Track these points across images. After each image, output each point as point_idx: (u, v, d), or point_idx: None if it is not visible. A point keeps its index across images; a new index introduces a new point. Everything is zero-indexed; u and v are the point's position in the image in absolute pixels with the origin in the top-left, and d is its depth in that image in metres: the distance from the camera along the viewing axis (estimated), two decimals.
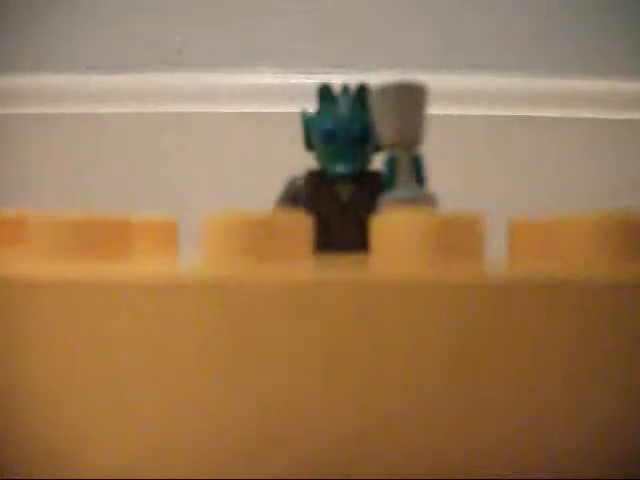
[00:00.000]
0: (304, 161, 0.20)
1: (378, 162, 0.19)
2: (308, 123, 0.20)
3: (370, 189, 0.19)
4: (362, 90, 0.19)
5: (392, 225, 0.13)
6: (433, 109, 0.18)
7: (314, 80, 0.21)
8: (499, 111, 0.36)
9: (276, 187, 0.20)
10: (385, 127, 0.17)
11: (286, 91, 0.35)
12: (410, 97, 0.17)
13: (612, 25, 0.36)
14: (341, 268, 0.12)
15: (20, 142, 0.35)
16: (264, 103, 0.35)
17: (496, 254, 0.15)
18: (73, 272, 0.12)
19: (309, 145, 0.20)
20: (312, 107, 0.20)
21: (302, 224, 0.13)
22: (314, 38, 0.36)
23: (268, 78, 0.36)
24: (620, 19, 0.36)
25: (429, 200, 0.17)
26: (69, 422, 0.12)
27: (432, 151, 0.18)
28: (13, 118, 0.35)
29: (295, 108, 0.20)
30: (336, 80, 0.20)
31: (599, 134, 0.36)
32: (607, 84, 0.36)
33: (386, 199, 0.17)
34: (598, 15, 0.36)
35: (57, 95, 0.35)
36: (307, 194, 0.20)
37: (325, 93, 0.19)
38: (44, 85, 0.36)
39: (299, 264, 0.12)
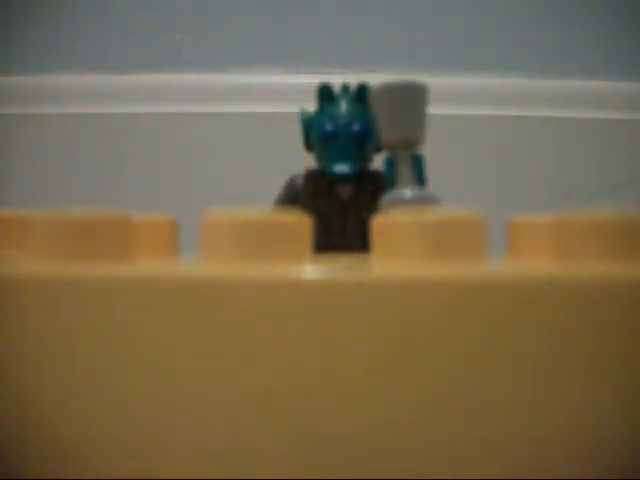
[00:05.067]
0: (304, 161, 0.20)
1: (378, 162, 0.19)
2: (308, 123, 0.20)
3: (370, 189, 0.19)
4: (362, 90, 0.19)
5: (392, 225, 0.13)
6: (433, 109, 0.18)
7: (314, 80, 0.21)
8: (499, 111, 0.36)
9: (276, 187, 0.20)
10: (385, 127, 0.17)
11: (286, 91, 0.35)
12: (410, 97, 0.17)
13: (612, 25, 0.36)
14: (341, 268, 0.12)
15: (20, 142, 0.35)
16: (264, 103, 0.35)
17: (496, 254, 0.15)
18: (73, 272, 0.12)
19: (309, 145, 0.20)
20: (312, 107, 0.20)
21: (302, 224, 0.13)
22: (314, 38, 0.36)
23: (268, 78, 0.36)
24: (620, 19, 0.36)
25: (429, 200, 0.17)
26: (69, 422, 0.12)
27: (432, 151, 0.18)
28: (13, 118, 0.35)
29: (295, 108, 0.20)
30: (336, 80, 0.20)
31: (599, 134, 0.36)
32: (607, 84, 0.36)
33: (386, 199, 0.17)
34: (598, 15, 0.36)
35: (57, 95, 0.35)
36: (307, 194, 0.20)
37: (325, 93, 0.19)
38: (44, 85, 0.36)
39: (299, 264, 0.12)
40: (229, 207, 0.13)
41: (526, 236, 0.17)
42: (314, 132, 0.19)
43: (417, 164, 0.18)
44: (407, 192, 0.17)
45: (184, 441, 0.12)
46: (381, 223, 0.14)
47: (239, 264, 0.12)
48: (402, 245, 0.13)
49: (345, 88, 0.20)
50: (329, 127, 0.19)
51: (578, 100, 0.36)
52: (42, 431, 0.12)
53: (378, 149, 0.19)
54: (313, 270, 0.12)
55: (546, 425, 0.12)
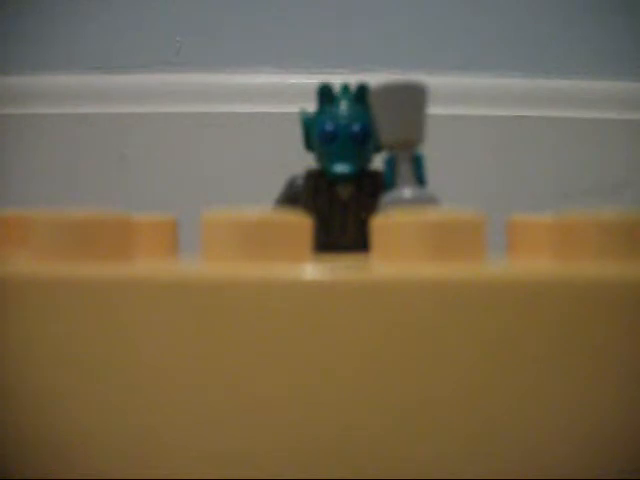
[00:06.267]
0: (304, 161, 0.20)
1: (378, 162, 0.19)
2: (308, 123, 0.20)
3: (370, 189, 0.19)
4: (362, 90, 0.19)
5: (392, 225, 0.13)
6: (433, 109, 0.18)
7: (314, 80, 0.21)
8: (499, 111, 0.36)
9: (276, 187, 0.20)
10: (385, 127, 0.17)
11: (286, 91, 0.35)
12: (410, 97, 0.17)
13: (611, 25, 0.36)
14: (341, 268, 0.12)
15: (20, 142, 0.35)
16: (264, 103, 0.35)
17: (496, 254, 0.15)
18: (73, 272, 0.12)
19: (309, 145, 0.20)
20: (312, 107, 0.20)
21: (302, 224, 0.13)
22: (314, 38, 0.36)
23: (268, 78, 0.36)
24: (619, 19, 0.36)
25: (429, 200, 0.17)
26: (69, 422, 0.12)
27: (432, 151, 0.18)
28: (13, 118, 0.35)
29: (295, 108, 0.20)
30: (336, 80, 0.20)
31: (599, 134, 0.36)
32: (607, 84, 0.36)
33: (386, 199, 0.17)
34: (597, 15, 0.36)
35: (57, 95, 0.35)
36: (307, 194, 0.20)
37: (325, 93, 0.19)
38: (44, 85, 0.36)
39: (299, 264, 0.12)
40: (229, 207, 0.13)
41: (526, 236, 0.17)
42: (314, 132, 0.19)
43: (417, 164, 0.18)
44: (407, 192, 0.17)
45: (184, 441, 0.12)
46: (381, 223, 0.14)
47: (239, 264, 0.12)
48: (402, 245, 0.13)
49: (345, 88, 0.20)
50: (329, 127, 0.19)
51: (578, 100, 0.36)
52: (42, 431, 0.12)
53: (378, 149, 0.19)
54: (313, 270, 0.12)
55: (546, 424, 0.12)
